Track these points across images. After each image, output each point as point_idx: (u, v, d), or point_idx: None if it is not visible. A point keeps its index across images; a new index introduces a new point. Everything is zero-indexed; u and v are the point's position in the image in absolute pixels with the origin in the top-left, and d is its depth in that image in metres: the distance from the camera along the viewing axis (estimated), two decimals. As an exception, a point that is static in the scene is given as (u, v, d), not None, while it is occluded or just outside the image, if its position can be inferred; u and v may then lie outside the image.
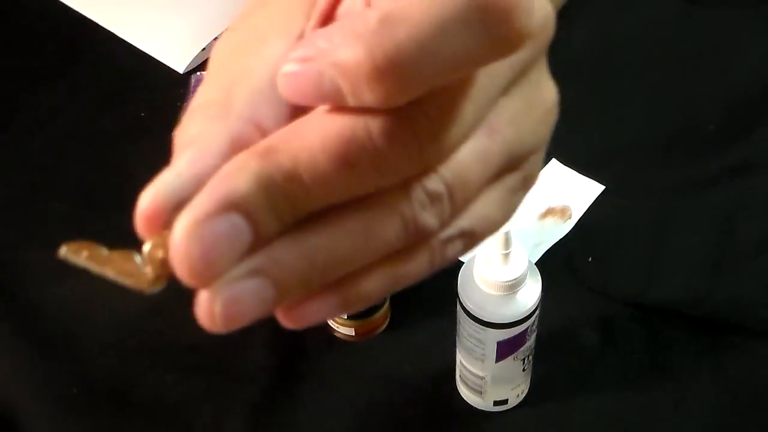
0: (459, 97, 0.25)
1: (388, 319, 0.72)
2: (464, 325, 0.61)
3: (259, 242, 0.25)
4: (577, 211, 0.76)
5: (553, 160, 0.79)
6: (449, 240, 0.28)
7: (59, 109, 0.87)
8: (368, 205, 0.25)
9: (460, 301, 0.60)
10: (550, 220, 0.76)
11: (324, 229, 0.25)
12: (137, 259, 0.27)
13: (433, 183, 0.26)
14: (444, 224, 0.27)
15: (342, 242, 0.25)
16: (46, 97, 0.88)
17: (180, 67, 0.89)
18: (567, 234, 0.75)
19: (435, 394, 0.68)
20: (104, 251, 0.28)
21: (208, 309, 0.25)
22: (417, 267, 0.27)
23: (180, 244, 0.24)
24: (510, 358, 0.62)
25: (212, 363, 0.70)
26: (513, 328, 0.59)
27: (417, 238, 0.26)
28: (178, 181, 0.27)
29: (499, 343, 0.60)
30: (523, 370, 0.64)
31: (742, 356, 0.68)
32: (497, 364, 0.62)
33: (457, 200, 0.27)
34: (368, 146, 0.24)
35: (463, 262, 0.62)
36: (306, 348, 0.71)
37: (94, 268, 0.28)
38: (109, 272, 0.27)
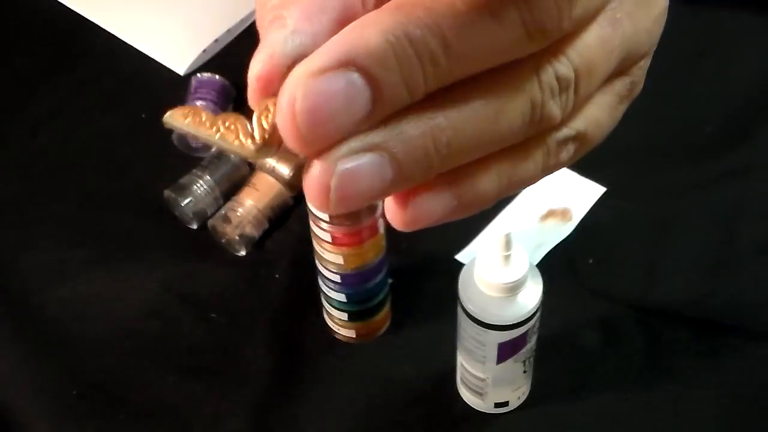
0: None
1: (388, 321, 0.71)
2: (465, 326, 0.61)
3: (378, 111, 0.22)
4: (578, 213, 0.76)
5: (554, 162, 0.79)
6: (564, 141, 0.26)
7: (59, 110, 0.87)
8: (499, 84, 0.24)
9: (460, 302, 0.60)
10: (551, 222, 0.76)
11: (451, 107, 0.23)
12: (242, 125, 0.25)
13: (563, 67, 0.25)
14: (565, 118, 0.25)
15: (469, 123, 0.23)
16: (46, 97, 0.88)
17: (181, 69, 0.89)
18: (568, 236, 0.75)
19: (436, 396, 0.68)
20: (208, 116, 0.25)
21: (322, 183, 0.22)
22: (532, 167, 0.26)
23: (287, 99, 0.22)
24: (511, 359, 0.62)
25: (212, 364, 0.70)
26: (514, 330, 0.59)
27: (539, 129, 0.25)
28: (295, 39, 0.24)
29: (500, 345, 0.60)
30: (524, 371, 0.64)
31: (742, 358, 0.68)
32: (498, 365, 0.62)
33: (581, 91, 0.25)
34: None
35: (463, 264, 0.62)
36: (306, 349, 0.71)
37: (197, 132, 0.25)
38: (213, 136, 0.25)
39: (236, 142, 0.25)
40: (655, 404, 0.66)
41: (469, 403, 0.67)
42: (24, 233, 0.78)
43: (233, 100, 0.85)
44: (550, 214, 0.76)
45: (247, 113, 0.25)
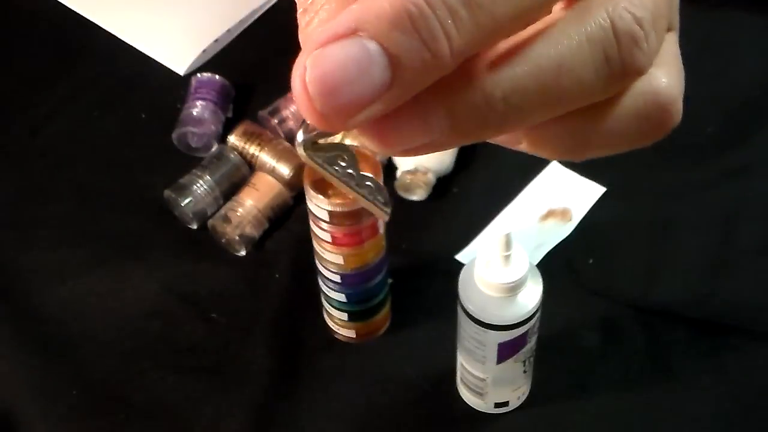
0: None
1: (388, 321, 0.71)
2: (465, 326, 0.61)
3: (403, 78, 0.21)
4: (578, 213, 0.76)
5: (554, 163, 0.79)
6: (651, 95, 0.24)
7: (59, 110, 0.87)
8: (561, 33, 0.22)
9: (460, 302, 0.60)
10: (551, 222, 0.76)
11: (507, 61, 0.22)
12: (373, 185, 0.25)
13: (638, 9, 0.23)
14: (647, 64, 0.24)
15: (529, 77, 0.22)
16: (46, 98, 0.88)
17: (180, 69, 0.89)
18: (568, 236, 0.75)
19: (436, 396, 0.68)
20: (342, 157, 0.25)
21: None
22: (621, 125, 0.24)
23: (298, 71, 0.21)
24: (511, 359, 0.62)
25: (212, 364, 0.70)
26: (514, 330, 0.59)
27: (622, 81, 0.23)
28: None
29: (500, 345, 0.60)
30: (524, 371, 0.64)
31: (742, 358, 0.68)
32: (498, 365, 0.62)
33: (654, 36, 0.23)
34: None
35: (463, 264, 0.62)
36: (306, 349, 0.71)
37: (325, 174, 0.25)
38: (341, 187, 0.25)
39: (372, 207, 0.25)
40: (655, 404, 0.66)
41: (469, 403, 0.67)
42: (24, 233, 0.78)
43: (233, 100, 0.85)
44: (550, 214, 0.76)
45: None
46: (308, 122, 0.22)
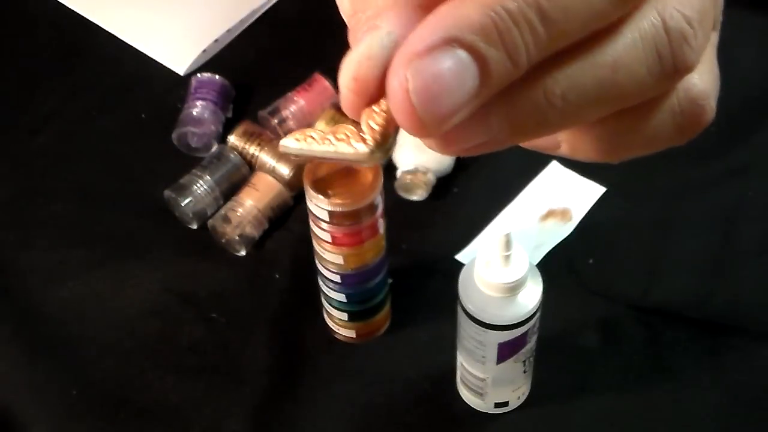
0: None
1: (388, 321, 0.71)
2: (465, 326, 0.61)
3: (486, 86, 0.22)
4: (578, 213, 0.76)
5: (554, 162, 0.79)
6: (694, 97, 0.26)
7: (59, 110, 0.87)
8: (616, 32, 0.23)
9: (460, 302, 0.60)
10: (551, 222, 0.76)
11: (565, 59, 0.23)
12: (352, 134, 0.25)
13: (687, 9, 0.24)
14: (696, 61, 0.24)
15: (585, 74, 0.23)
16: (46, 97, 0.88)
17: (181, 69, 0.89)
18: (568, 236, 0.75)
19: (435, 396, 0.68)
20: (318, 133, 0.26)
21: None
22: (660, 125, 0.25)
23: (397, 81, 0.22)
24: (511, 360, 0.62)
25: (212, 364, 0.70)
26: (514, 330, 0.59)
27: (672, 80, 0.24)
28: (389, 40, 0.24)
29: (500, 345, 0.60)
30: (524, 372, 0.64)
31: (742, 358, 0.68)
32: (498, 365, 0.62)
33: (701, 35, 0.24)
34: None
35: (463, 264, 0.62)
36: (306, 349, 0.71)
37: (312, 151, 0.26)
38: (328, 151, 0.25)
39: (351, 151, 0.25)
40: (655, 404, 0.66)
41: (469, 403, 0.67)
42: (24, 233, 0.78)
43: (233, 100, 0.85)
44: (550, 214, 0.76)
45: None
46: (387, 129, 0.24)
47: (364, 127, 0.25)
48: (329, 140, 0.25)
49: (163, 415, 0.67)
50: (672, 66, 0.24)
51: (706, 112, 0.27)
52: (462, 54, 0.22)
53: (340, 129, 0.25)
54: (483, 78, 0.22)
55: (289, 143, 0.26)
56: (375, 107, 0.24)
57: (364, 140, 0.25)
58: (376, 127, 0.24)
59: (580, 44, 0.23)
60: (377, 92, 0.24)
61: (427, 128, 0.22)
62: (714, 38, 0.27)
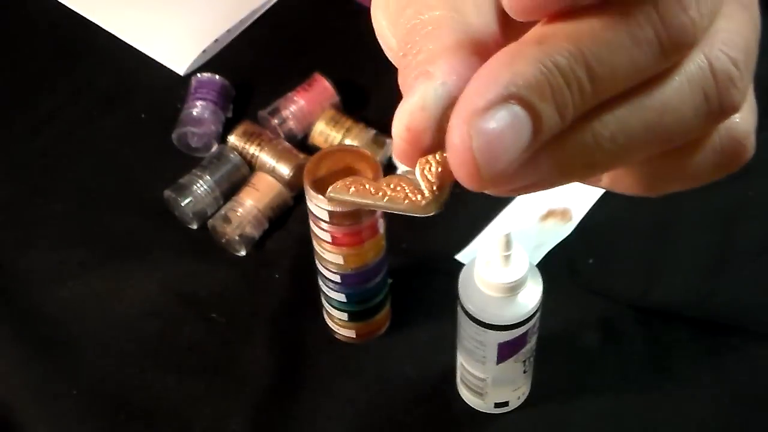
0: None
1: (388, 321, 0.71)
2: (465, 327, 0.61)
3: (537, 141, 0.23)
4: (578, 213, 0.76)
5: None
6: (741, 136, 0.26)
7: (59, 110, 0.87)
8: (664, 75, 0.24)
9: (460, 302, 0.60)
10: (550, 222, 0.76)
11: (615, 112, 0.23)
12: (406, 183, 0.25)
13: (733, 50, 0.24)
14: (742, 101, 0.25)
15: (634, 116, 0.23)
16: (46, 98, 0.88)
17: (181, 69, 0.89)
18: (568, 236, 0.75)
19: (435, 396, 0.68)
20: (371, 183, 0.26)
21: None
22: (702, 162, 0.26)
23: (459, 139, 0.22)
24: (511, 360, 0.62)
25: (212, 364, 0.70)
26: (514, 330, 0.59)
27: (718, 120, 0.25)
28: (443, 90, 0.24)
29: (500, 345, 0.60)
30: (524, 371, 0.64)
31: (742, 358, 0.68)
32: (498, 365, 0.62)
33: (747, 77, 0.25)
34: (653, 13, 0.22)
35: (463, 264, 0.62)
36: (306, 349, 0.71)
37: (364, 201, 0.26)
38: (381, 201, 0.26)
39: (406, 202, 0.25)
40: (655, 404, 0.66)
41: (469, 403, 0.67)
42: (24, 233, 0.78)
43: (233, 100, 0.85)
44: (550, 214, 0.76)
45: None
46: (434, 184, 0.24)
47: (419, 177, 0.25)
48: (383, 191, 0.26)
49: (163, 415, 0.67)
50: (718, 107, 0.24)
51: (747, 150, 0.27)
52: (518, 110, 0.22)
53: (394, 179, 0.26)
54: (535, 132, 0.22)
55: (340, 191, 0.26)
56: (430, 158, 0.24)
57: (421, 192, 0.25)
58: (433, 179, 0.25)
59: (630, 90, 0.24)
60: (431, 143, 0.24)
61: (485, 182, 0.23)
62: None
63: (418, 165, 0.25)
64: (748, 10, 0.26)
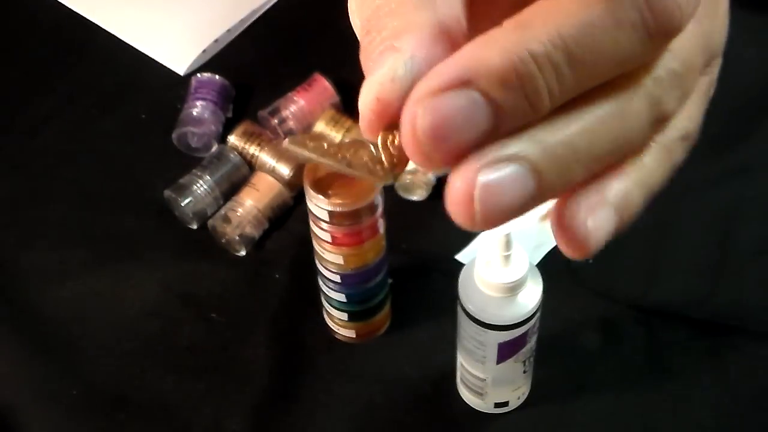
0: None
1: (388, 321, 0.71)
2: (465, 326, 0.61)
3: (501, 126, 0.23)
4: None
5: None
6: (678, 140, 0.27)
7: (59, 110, 0.87)
8: (617, 87, 0.24)
9: (460, 302, 0.60)
10: (551, 222, 0.76)
11: (583, 112, 0.24)
12: (366, 152, 0.26)
13: (674, 62, 0.25)
14: (676, 110, 0.26)
15: (602, 126, 0.24)
16: (46, 97, 0.88)
17: (181, 69, 0.89)
18: (568, 236, 0.75)
19: (435, 396, 0.68)
20: (331, 144, 0.26)
21: (466, 194, 0.23)
22: (659, 172, 0.27)
23: (409, 116, 0.23)
24: (511, 360, 0.62)
25: (212, 364, 0.70)
26: (514, 330, 0.59)
27: (659, 127, 0.25)
28: (414, 63, 0.24)
29: (500, 345, 0.60)
30: (524, 372, 0.64)
31: (742, 358, 0.68)
32: (498, 366, 0.62)
33: (686, 85, 0.26)
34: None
35: (463, 264, 0.62)
36: (306, 349, 0.71)
37: (322, 159, 0.26)
38: (340, 164, 0.26)
39: (365, 169, 0.25)
40: (655, 404, 0.66)
41: (469, 403, 0.67)
42: (24, 233, 0.78)
43: (233, 100, 0.85)
44: (550, 214, 0.76)
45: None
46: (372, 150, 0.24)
47: (380, 147, 0.25)
48: (343, 153, 0.26)
49: (163, 415, 0.67)
50: (660, 115, 0.25)
51: (682, 159, 0.28)
52: (475, 95, 0.22)
53: (356, 144, 0.26)
54: (496, 119, 0.22)
55: (298, 144, 0.26)
56: (396, 131, 0.25)
57: (380, 162, 0.25)
58: (393, 152, 0.25)
59: (596, 95, 0.24)
60: (397, 115, 0.24)
61: (431, 162, 0.23)
62: (702, 83, 0.29)
63: (380, 136, 0.25)
64: (700, 22, 0.26)
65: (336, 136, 0.79)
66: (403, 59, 0.24)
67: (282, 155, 0.78)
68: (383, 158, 0.25)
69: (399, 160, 0.25)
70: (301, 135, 0.26)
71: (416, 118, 0.22)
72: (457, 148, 0.23)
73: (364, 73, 0.26)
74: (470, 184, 0.23)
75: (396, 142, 0.25)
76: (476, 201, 0.23)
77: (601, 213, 0.25)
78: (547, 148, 0.23)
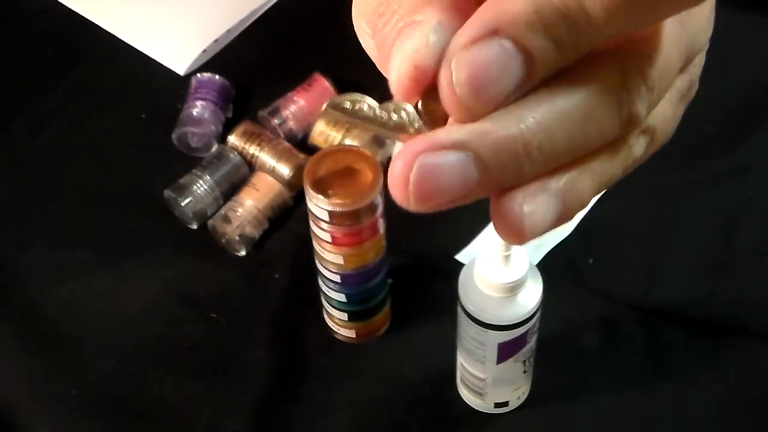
0: None
1: (388, 321, 0.71)
2: (465, 326, 0.61)
3: (533, 74, 0.23)
4: (578, 213, 0.76)
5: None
6: (634, 137, 0.27)
7: (59, 110, 0.87)
8: (586, 85, 0.24)
9: (460, 302, 0.60)
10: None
11: (541, 110, 0.24)
12: (407, 113, 0.26)
13: (647, 67, 0.25)
14: (647, 114, 0.26)
15: (560, 126, 0.24)
16: (46, 97, 0.88)
17: (181, 69, 0.89)
18: (568, 236, 0.75)
19: (435, 396, 0.68)
20: (370, 104, 0.26)
21: (402, 176, 0.23)
22: (615, 164, 0.27)
23: (445, 72, 0.23)
24: (511, 360, 0.62)
25: (212, 364, 0.70)
26: (514, 330, 0.59)
27: (627, 129, 0.25)
28: (442, 29, 0.24)
29: (500, 345, 0.60)
30: (524, 372, 0.64)
31: (742, 358, 0.68)
32: (498, 365, 0.62)
33: (659, 87, 0.26)
34: None
35: (463, 264, 0.62)
36: (306, 349, 0.71)
37: (360, 119, 0.26)
38: (381, 128, 0.26)
39: (412, 130, 0.26)
40: (655, 404, 0.66)
41: (469, 403, 0.67)
42: (24, 233, 0.78)
43: (233, 100, 0.85)
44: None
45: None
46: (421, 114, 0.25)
47: (422, 111, 0.26)
48: (382, 114, 0.26)
49: (164, 415, 0.67)
50: (627, 118, 0.25)
51: (644, 156, 0.29)
52: (506, 43, 0.23)
53: (393, 104, 0.26)
54: (529, 65, 0.23)
55: (338, 104, 0.26)
56: (432, 91, 0.25)
57: (419, 122, 0.26)
58: (434, 114, 0.25)
59: (556, 95, 0.24)
60: (434, 79, 0.24)
61: (472, 116, 0.23)
62: (680, 83, 0.29)
63: (420, 100, 0.25)
64: (683, 23, 0.27)
65: (336, 136, 0.79)
66: (431, 26, 0.25)
67: (282, 155, 0.78)
68: (423, 122, 0.26)
69: (437, 118, 0.25)
70: (339, 97, 0.26)
71: (453, 73, 0.23)
72: (496, 98, 0.23)
73: (379, 52, 0.26)
74: (408, 166, 0.23)
75: (433, 102, 0.25)
76: (411, 182, 0.23)
77: (539, 198, 0.25)
78: (495, 141, 0.23)
